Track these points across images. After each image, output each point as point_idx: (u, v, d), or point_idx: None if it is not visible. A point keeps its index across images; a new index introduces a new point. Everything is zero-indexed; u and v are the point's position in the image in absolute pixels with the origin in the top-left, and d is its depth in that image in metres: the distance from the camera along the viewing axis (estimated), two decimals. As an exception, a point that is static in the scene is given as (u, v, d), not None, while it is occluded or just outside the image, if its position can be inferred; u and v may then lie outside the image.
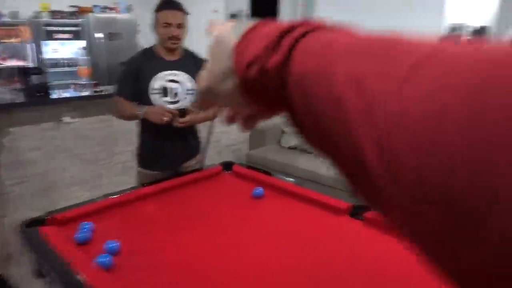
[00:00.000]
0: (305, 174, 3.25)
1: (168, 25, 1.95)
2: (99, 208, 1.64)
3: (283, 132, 3.84)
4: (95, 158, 3.00)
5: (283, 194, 1.80)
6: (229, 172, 2.11)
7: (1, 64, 4.99)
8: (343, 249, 1.38)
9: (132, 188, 1.86)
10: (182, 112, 2.02)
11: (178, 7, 2.00)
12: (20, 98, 2.66)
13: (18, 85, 2.92)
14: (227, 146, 3.86)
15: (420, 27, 3.62)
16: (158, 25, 1.99)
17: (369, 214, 1.53)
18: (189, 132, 2.19)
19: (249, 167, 2.17)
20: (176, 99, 2.06)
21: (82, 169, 2.95)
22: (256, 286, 1.18)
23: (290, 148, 3.68)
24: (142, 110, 1.97)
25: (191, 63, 2.11)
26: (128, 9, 5.76)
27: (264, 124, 3.99)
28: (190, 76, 2.07)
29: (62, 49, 5.21)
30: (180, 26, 1.99)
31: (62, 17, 5.23)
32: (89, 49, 5.40)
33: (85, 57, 5.38)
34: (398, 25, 3.83)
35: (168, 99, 2.04)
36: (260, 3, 5.61)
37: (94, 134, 2.96)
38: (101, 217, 1.59)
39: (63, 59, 5.20)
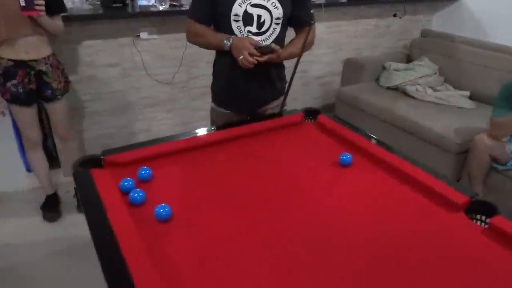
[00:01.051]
0: (404, 124, 2.74)
1: None
2: (160, 152, 1.44)
3: (383, 68, 3.24)
4: (172, 80, 2.80)
5: (375, 165, 1.41)
6: (312, 121, 1.74)
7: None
8: (455, 260, 1.00)
9: (200, 130, 1.61)
10: (267, 50, 1.61)
11: None
12: (96, 9, 2.46)
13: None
14: (316, 78, 3.41)
15: None
16: None
17: (496, 220, 1.09)
18: (274, 69, 1.81)
19: (335, 117, 1.76)
20: (262, 29, 1.65)
21: (158, 90, 2.79)
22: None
23: (389, 88, 3.12)
24: (228, 41, 1.58)
25: None
26: None
27: (362, 57, 3.42)
28: (280, 2, 1.62)
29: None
30: None
31: None
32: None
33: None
34: None
35: (253, 28, 1.64)
36: None
37: (173, 53, 2.72)
38: (160, 164, 1.39)
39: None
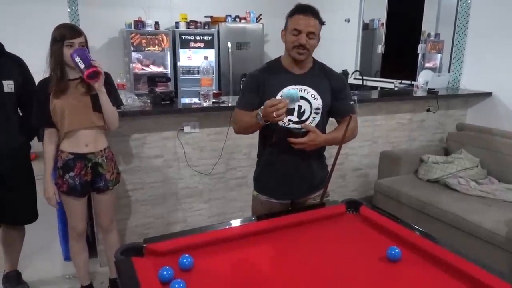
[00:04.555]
0: (449, 218, 2.61)
1: (298, 32, 1.65)
2: (201, 241, 1.43)
3: (421, 161, 3.21)
4: (211, 171, 2.88)
5: (426, 260, 1.32)
6: (355, 213, 1.70)
7: (144, 70, 5.42)
8: None
9: (241, 220, 1.61)
10: (303, 133, 1.69)
11: (313, 13, 1.67)
12: (147, 106, 2.67)
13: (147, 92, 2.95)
14: (353, 170, 3.41)
15: None
16: (287, 31, 1.70)
17: None
18: (315, 157, 1.85)
19: (378, 209, 1.72)
20: (302, 118, 1.75)
21: (197, 180, 2.86)
22: None
23: (429, 181, 3.05)
24: (260, 111, 1.62)
25: (321, 78, 1.78)
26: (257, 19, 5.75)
27: (398, 149, 3.43)
28: (319, 93, 1.74)
29: (195, 57, 5.43)
30: (311, 35, 1.66)
31: (196, 27, 5.45)
32: (217, 58, 5.53)
33: (210, 66, 5.53)
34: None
35: (293, 117, 1.74)
36: (399, 12, 5.00)
37: (212, 145, 2.84)
38: (201, 253, 1.36)
39: (195, 66, 5.41)
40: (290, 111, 1.72)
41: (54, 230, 2.70)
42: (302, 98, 1.72)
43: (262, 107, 1.63)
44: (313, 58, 1.81)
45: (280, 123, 1.72)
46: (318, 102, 1.74)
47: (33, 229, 2.38)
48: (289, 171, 1.81)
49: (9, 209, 2.18)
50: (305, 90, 1.73)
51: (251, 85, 1.79)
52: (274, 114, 1.51)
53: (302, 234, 1.52)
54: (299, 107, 1.73)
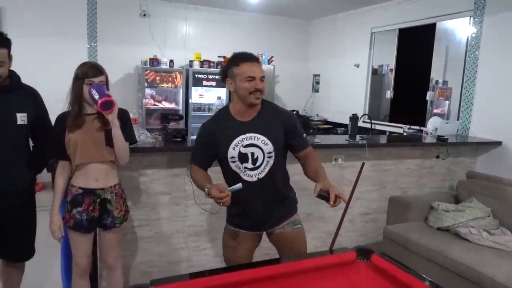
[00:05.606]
0: (461, 269, 2.53)
1: (252, 78, 1.78)
2: (207, 286, 1.40)
3: (431, 208, 3.17)
4: (219, 210, 2.85)
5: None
6: (365, 261, 1.66)
7: (156, 105, 5.52)
8: None
9: (248, 264, 1.58)
10: (325, 196, 1.71)
11: (258, 60, 1.88)
12: (158, 142, 2.70)
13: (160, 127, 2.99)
14: (361, 215, 3.36)
15: None
16: (236, 79, 1.81)
17: None
18: (280, 194, 1.94)
19: (388, 257, 1.68)
20: (257, 164, 1.83)
21: (204, 219, 2.83)
22: None
23: (439, 229, 2.99)
24: (206, 188, 1.76)
25: (272, 120, 1.86)
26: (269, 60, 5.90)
27: (408, 195, 3.40)
28: (269, 138, 1.82)
29: (207, 95, 5.55)
30: (263, 78, 1.81)
31: (209, 66, 5.61)
32: (228, 96, 5.65)
33: (222, 105, 5.64)
34: None
35: (248, 164, 1.83)
36: (408, 59, 5.11)
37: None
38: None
39: (206, 104, 5.53)
40: (244, 159, 1.81)
41: (54, 265, 2.65)
42: (253, 145, 1.80)
43: (209, 186, 1.73)
44: (262, 99, 1.89)
45: (239, 171, 1.83)
46: (269, 147, 1.81)
47: (33, 264, 2.34)
48: (258, 206, 1.89)
49: (8, 245, 2.13)
50: (255, 137, 1.81)
51: (203, 140, 1.91)
52: (221, 204, 1.68)
53: (311, 281, 1.49)
54: (252, 154, 1.81)
